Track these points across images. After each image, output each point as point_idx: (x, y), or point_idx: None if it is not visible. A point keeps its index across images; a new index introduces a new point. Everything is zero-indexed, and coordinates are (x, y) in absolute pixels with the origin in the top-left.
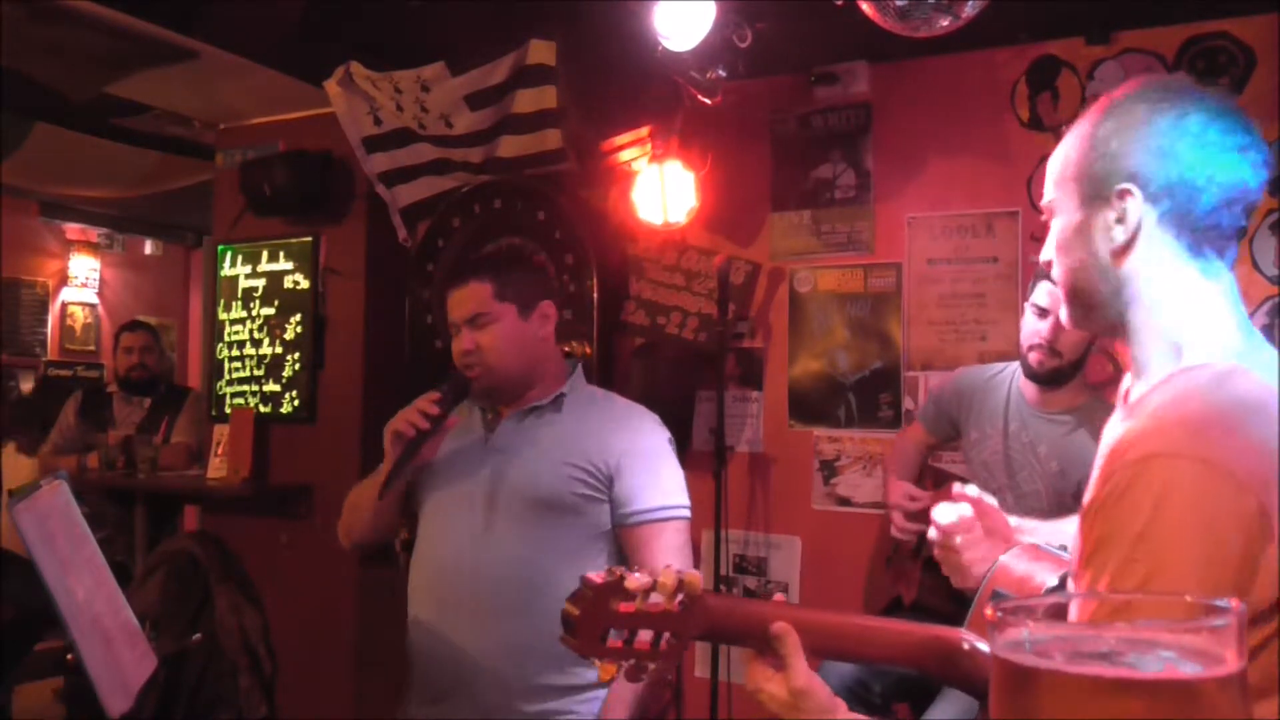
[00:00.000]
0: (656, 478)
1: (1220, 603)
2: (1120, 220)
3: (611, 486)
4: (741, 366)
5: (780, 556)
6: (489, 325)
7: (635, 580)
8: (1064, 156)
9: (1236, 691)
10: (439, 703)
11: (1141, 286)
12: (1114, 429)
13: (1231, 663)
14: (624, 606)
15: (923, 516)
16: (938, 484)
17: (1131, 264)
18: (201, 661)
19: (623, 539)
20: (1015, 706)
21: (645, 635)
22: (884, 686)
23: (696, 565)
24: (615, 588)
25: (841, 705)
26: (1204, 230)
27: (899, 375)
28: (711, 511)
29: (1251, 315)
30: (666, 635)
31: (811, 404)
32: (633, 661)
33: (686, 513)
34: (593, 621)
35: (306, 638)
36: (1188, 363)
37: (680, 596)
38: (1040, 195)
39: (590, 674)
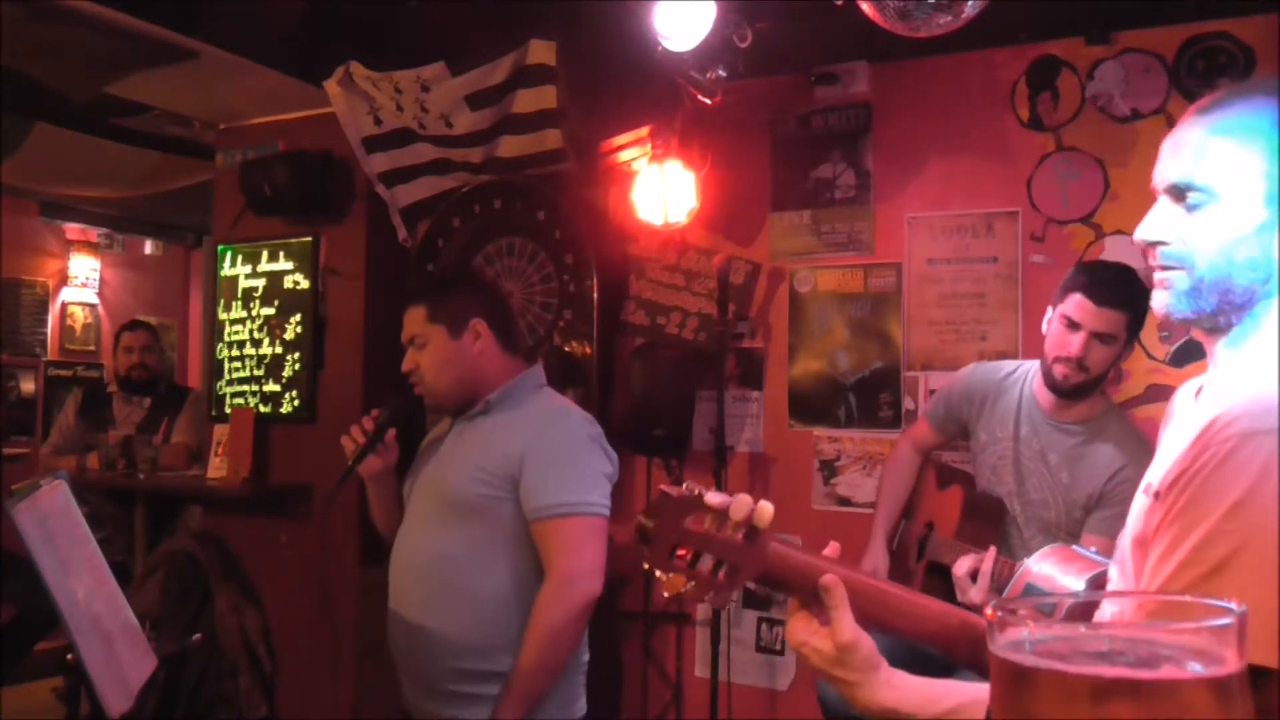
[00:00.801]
0: (558, 474)
1: (1222, 603)
2: None
3: (517, 486)
4: (741, 366)
5: None
6: (424, 347)
7: (714, 498)
8: (1236, 140)
9: (1236, 691)
10: (403, 682)
11: None
12: (1193, 415)
13: (1232, 663)
14: (694, 525)
15: None
16: (942, 484)
17: None
18: (201, 661)
19: (533, 536)
20: (1015, 706)
21: (707, 560)
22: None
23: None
24: (692, 503)
25: (884, 663)
26: None
27: (899, 375)
28: None
29: None
30: (725, 566)
31: (811, 404)
32: (693, 584)
33: (595, 509)
34: (666, 534)
35: (306, 638)
36: None
37: (746, 527)
38: (1041, 195)
39: (509, 661)
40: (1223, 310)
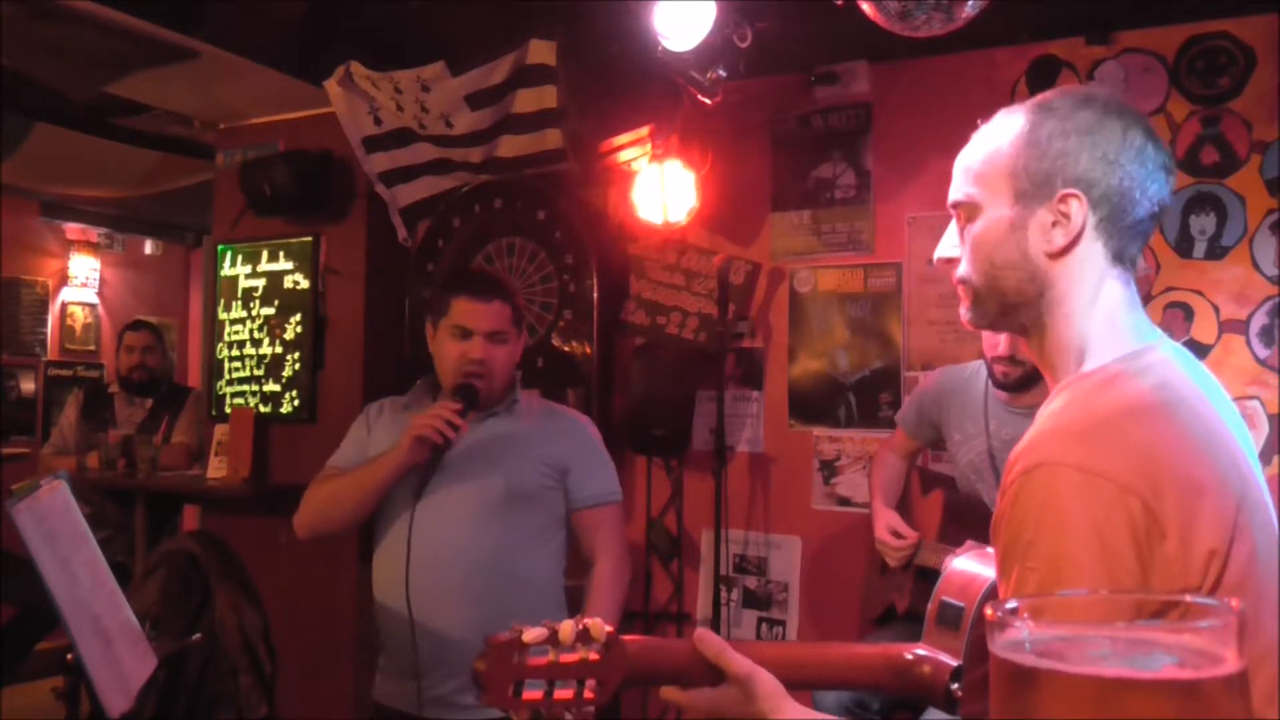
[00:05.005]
0: (597, 470)
1: (1219, 602)
2: (1059, 223)
3: (565, 478)
4: (741, 366)
5: (780, 556)
6: (503, 344)
7: (532, 633)
8: (988, 151)
9: (1236, 691)
10: (420, 677)
11: (1064, 290)
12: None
13: (1231, 663)
14: (535, 660)
15: (909, 545)
16: (925, 490)
17: (1063, 267)
18: (201, 661)
19: (573, 521)
20: (1015, 706)
21: (566, 686)
22: (883, 702)
23: (692, 565)
24: (516, 643)
25: (788, 701)
26: (1130, 239)
27: (899, 375)
28: (711, 511)
29: (1251, 315)
30: (590, 683)
31: (811, 404)
32: (553, 712)
33: (619, 497)
34: (499, 676)
35: (306, 638)
36: (1085, 368)
37: (594, 644)
38: None
39: None
40: (1005, 318)
